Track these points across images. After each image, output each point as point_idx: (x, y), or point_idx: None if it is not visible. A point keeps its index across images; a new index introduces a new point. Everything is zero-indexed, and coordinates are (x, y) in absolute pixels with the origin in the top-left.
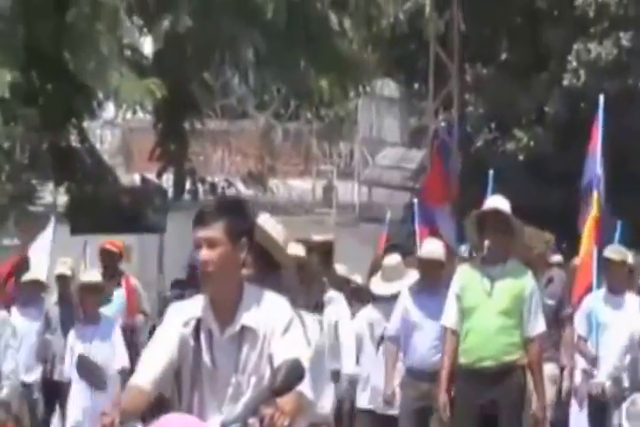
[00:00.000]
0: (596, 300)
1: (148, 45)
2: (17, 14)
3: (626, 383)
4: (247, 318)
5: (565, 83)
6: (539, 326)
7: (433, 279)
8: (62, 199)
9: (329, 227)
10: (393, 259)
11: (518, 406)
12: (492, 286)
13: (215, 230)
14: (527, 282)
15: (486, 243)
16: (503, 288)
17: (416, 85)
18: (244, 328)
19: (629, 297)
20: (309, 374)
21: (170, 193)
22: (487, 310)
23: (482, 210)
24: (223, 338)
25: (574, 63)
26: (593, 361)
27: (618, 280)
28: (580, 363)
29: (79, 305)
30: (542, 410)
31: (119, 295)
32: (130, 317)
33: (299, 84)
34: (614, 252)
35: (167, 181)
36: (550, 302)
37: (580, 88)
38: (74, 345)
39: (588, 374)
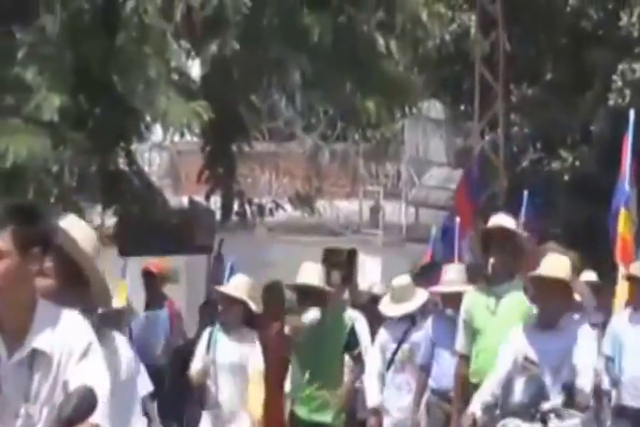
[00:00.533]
0: (619, 320)
1: (195, 69)
2: (65, 38)
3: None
4: (39, 340)
5: (611, 102)
6: None
7: None
8: (110, 221)
9: (376, 247)
10: (403, 279)
11: None
12: (497, 304)
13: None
14: None
15: (491, 261)
16: (509, 306)
17: (462, 106)
18: (35, 352)
19: None
20: (112, 403)
21: (218, 215)
22: (494, 329)
23: (486, 227)
24: (10, 363)
25: (619, 83)
26: (615, 383)
27: None
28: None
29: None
30: None
31: (164, 318)
32: (174, 340)
33: (345, 106)
34: (638, 269)
35: (215, 202)
36: None
37: (626, 107)
38: None
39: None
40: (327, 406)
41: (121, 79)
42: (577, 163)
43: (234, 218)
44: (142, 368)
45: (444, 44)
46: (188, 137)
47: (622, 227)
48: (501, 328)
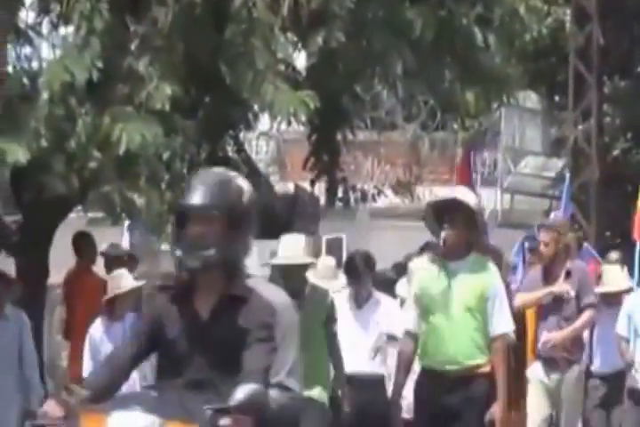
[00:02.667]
0: (635, 300)
1: (301, 60)
2: (177, 30)
3: None
4: None
5: None
6: (503, 324)
7: None
8: None
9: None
10: (329, 260)
11: (481, 413)
12: (451, 283)
13: None
14: (491, 279)
15: (443, 235)
16: (465, 286)
17: (556, 97)
18: None
19: None
20: None
21: (322, 200)
22: (448, 309)
23: (440, 199)
24: None
25: None
26: (629, 365)
27: None
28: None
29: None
30: (499, 411)
31: None
32: None
33: (445, 97)
34: None
35: (319, 189)
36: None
37: None
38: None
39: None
40: (314, 381)
41: (230, 70)
42: None
43: (337, 204)
44: None
45: (540, 37)
46: (294, 126)
47: None
48: (457, 310)
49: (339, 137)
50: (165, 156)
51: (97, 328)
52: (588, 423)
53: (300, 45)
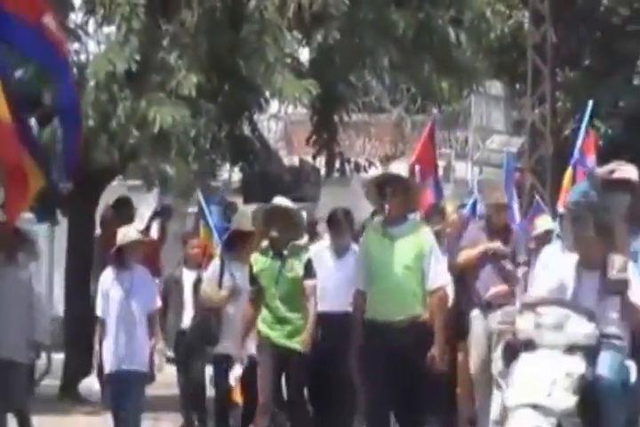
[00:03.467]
0: (550, 253)
1: (304, 54)
2: (201, 30)
3: None
4: None
5: (635, 82)
6: (439, 278)
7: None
8: (236, 176)
9: (448, 198)
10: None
11: (422, 356)
12: (393, 245)
13: None
14: (426, 238)
15: (387, 205)
16: (404, 246)
17: (517, 86)
18: None
19: None
20: None
21: (322, 171)
22: (390, 268)
23: (379, 175)
24: None
25: None
26: None
27: None
28: None
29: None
30: (439, 356)
31: None
32: None
33: (424, 85)
34: None
35: (320, 161)
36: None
37: None
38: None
39: None
40: (297, 332)
41: (245, 63)
42: (609, 131)
43: (335, 174)
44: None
45: (503, 35)
46: (299, 109)
47: None
48: (399, 268)
49: (336, 119)
50: (192, 133)
51: (107, 276)
52: None
53: (303, 42)
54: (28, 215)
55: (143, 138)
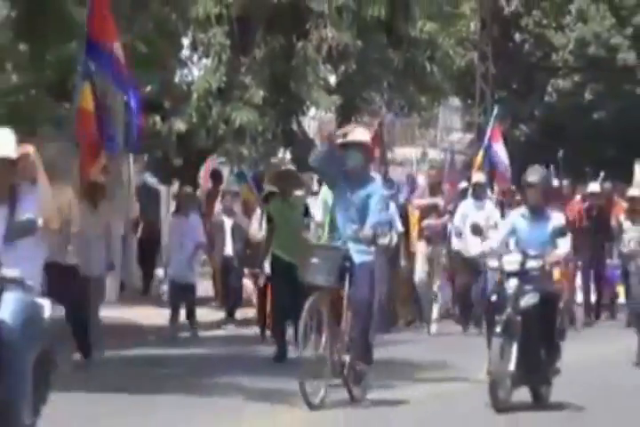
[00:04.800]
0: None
1: (332, 79)
2: (265, 61)
3: None
4: None
5: (546, 99)
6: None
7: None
8: (287, 158)
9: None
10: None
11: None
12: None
13: None
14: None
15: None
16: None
17: (469, 100)
18: None
19: None
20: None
21: None
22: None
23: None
24: None
25: (550, 89)
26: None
27: None
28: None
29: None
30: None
31: None
32: None
33: (409, 99)
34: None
35: None
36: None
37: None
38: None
39: None
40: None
41: (294, 83)
42: (528, 132)
43: None
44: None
45: (460, 67)
46: (329, 113)
47: None
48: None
49: (352, 120)
50: (259, 128)
51: (172, 221)
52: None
53: (332, 70)
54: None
55: (228, 131)
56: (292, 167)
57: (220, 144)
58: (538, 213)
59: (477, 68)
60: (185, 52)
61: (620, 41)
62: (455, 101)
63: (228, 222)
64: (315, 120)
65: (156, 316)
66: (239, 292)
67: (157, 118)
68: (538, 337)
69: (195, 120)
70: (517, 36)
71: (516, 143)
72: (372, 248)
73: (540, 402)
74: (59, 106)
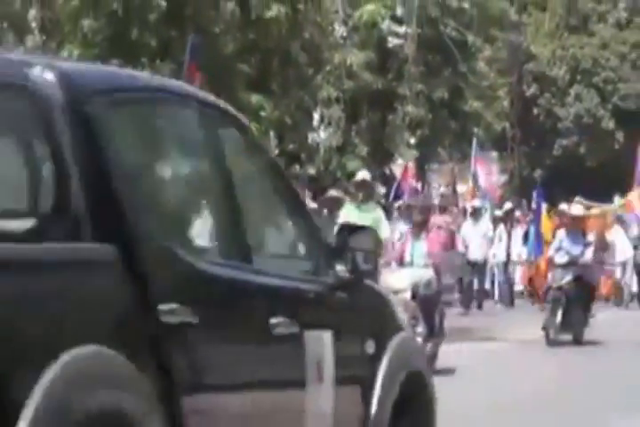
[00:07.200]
0: None
1: (412, 140)
2: (367, 128)
3: None
4: None
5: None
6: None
7: None
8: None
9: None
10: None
11: None
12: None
13: None
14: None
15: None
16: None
17: (504, 153)
18: None
19: None
20: None
21: None
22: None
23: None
24: None
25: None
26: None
27: None
28: None
29: None
30: None
31: None
32: None
33: (465, 152)
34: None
35: None
36: None
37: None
38: None
39: None
40: None
41: (387, 143)
42: (539, 178)
43: None
44: None
45: (497, 132)
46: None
47: None
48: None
49: (426, 167)
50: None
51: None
52: None
53: (412, 134)
54: None
55: (342, 174)
56: (366, 176)
57: (338, 183)
58: (575, 233)
59: (508, 132)
60: (315, 123)
61: (603, 113)
62: (493, 153)
63: None
64: (400, 167)
65: None
66: None
67: (297, 166)
68: (575, 301)
69: (321, 168)
70: (535, 111)
71: (534, 181)
72: None
73: (578, 342)
74: None
